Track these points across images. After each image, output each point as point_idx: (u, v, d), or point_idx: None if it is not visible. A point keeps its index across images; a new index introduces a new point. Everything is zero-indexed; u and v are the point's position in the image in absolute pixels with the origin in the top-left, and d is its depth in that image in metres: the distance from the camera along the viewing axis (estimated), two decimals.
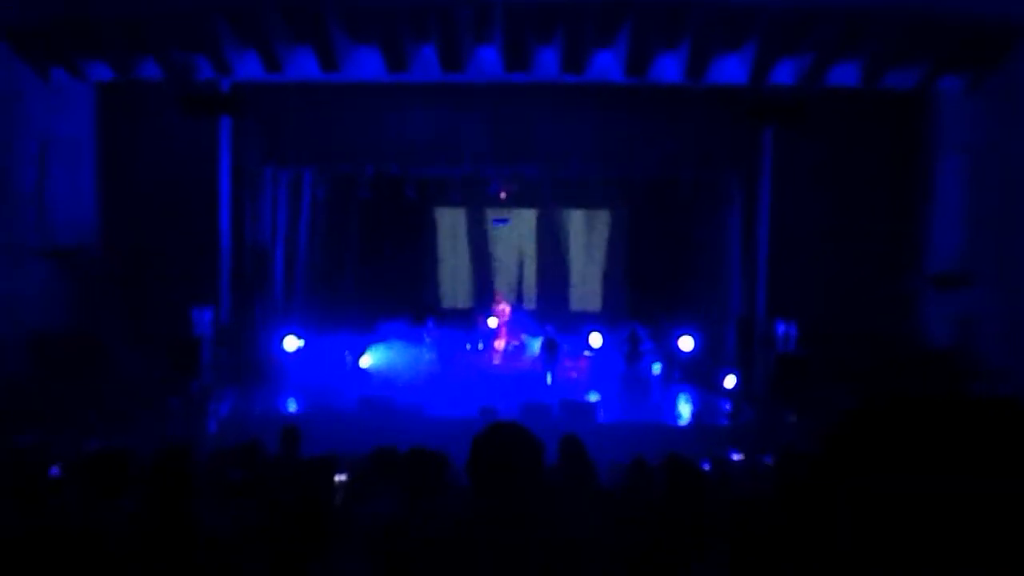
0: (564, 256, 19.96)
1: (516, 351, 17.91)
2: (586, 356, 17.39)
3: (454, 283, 20.23)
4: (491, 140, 14.82)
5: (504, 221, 19.57)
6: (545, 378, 16.25)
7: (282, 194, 16.32)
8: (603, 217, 19.81)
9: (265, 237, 15.83)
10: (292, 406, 14.45)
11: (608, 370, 16.61)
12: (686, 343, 16.50)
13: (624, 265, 19.60)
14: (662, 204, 17.66)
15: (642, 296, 18.47)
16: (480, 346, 18.11)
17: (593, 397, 15.23)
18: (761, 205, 14.90)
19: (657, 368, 16.49)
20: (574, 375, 17.01)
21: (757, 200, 14.98)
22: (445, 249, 20.18)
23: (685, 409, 14.90)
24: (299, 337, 16.34)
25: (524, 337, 18.19)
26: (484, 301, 19.12)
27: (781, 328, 14.32)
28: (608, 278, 19.85)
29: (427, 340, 17.44)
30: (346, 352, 16.43)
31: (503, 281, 20.05)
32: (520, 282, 20.12)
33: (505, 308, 18.59)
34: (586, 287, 19.99)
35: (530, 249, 20.05)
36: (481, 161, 15.18)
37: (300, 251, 17.14)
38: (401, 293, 18.99)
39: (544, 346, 16.52)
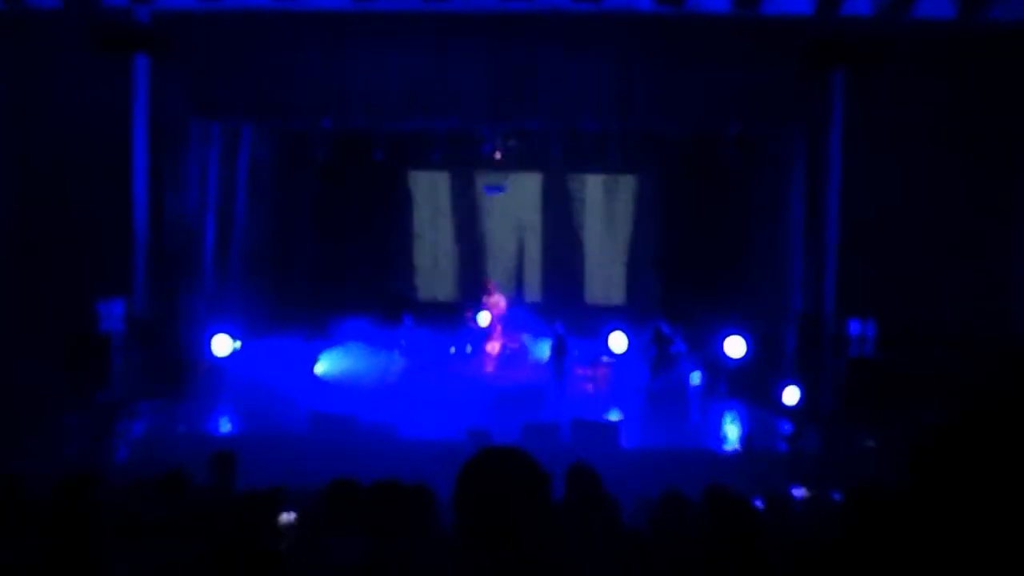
0: (577, 233, 20.02)
1: (515, 356, 17.97)
2: (605, 363, 17.44)
3: (435, 269, 20.24)
4: (484, 85, 14.82)
5: (499, 189, 19.56)
6: (552, 390, 16.35)
7: (214, 155, 16.35)
8: (627, 184, 19.86)
9: (192, 210, 15.90)
10: (226, 425, 14.35)
11: (633, 381, 16.68)
12: (733, 347, 16.54)
13: (654, 245, 19.67)
14: (702, 168, 17.66)
15: (676, 285, 18.59)
16: (468, 349, 18.17)
17: (614, 415, 15.37)
18: (829, 171, 14.86)
19: (696, 378, 16.53)
20: (589, 387, 17.06)
21: (824, 165, 14.92)
22: (423, 225, 20.17)
23: (732, 431, 14.96)
24: (235, 337, 16.36)
25: (525, 338, 18.25)
26: (473, 292, 19.16)
27: (855, 328, 14.33)
28: (633, 262, 19.93)
29: (400, 342, 17.55)
30: (297, 356, 16.51)
31: (498, 266, 20.07)
32: (520, 267, 20.17)
33: (500, 301, 18.57)
34: (605, 274, 20.08)
35: (533, 224, 20.08)
36: (471, 113, 15.15)
37: (236, 228, 17.18)
38: (367, 282, 19.09)
39: (552, 350, 16.58)
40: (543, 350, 17.20)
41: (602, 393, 16.93)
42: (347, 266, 19.15)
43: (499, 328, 18.40)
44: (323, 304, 17.96)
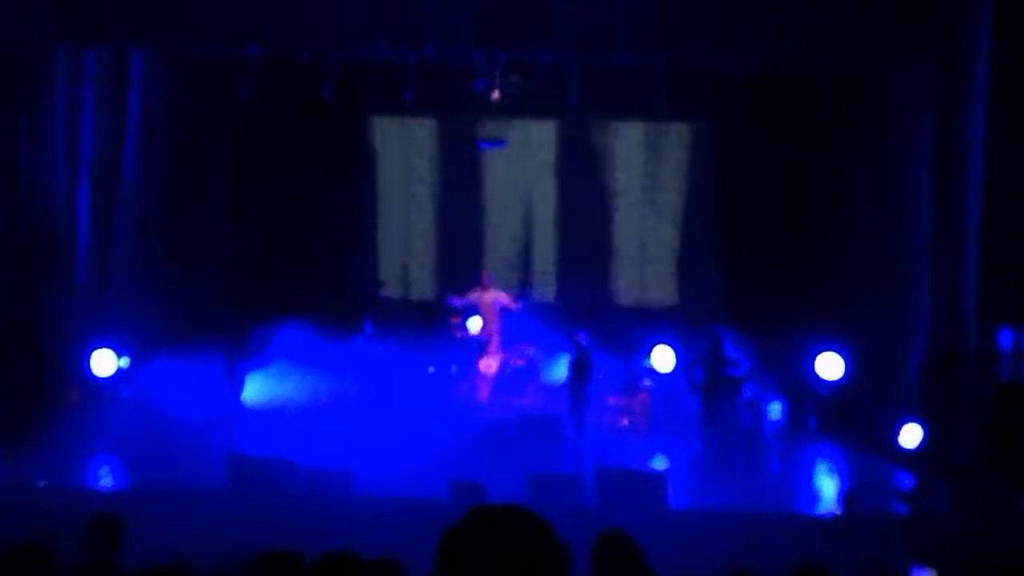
0: (606, 206, 20.12)
1: (518, 378, 18.05)
2: (645, 388, 17.49)
3: (407, 256, 20.34)
4: (476, 3, 14.91)
5: (498, 144, 19.57)
6: (572, 426, 16.34)
7: (89, 97, 16.27)
8: (677, 136, 19.92)
9: (59, 175, 15.84)
10: (108, 477, 14.55)
11: (686, 414, 16.70)
12: (828, 368, 16.58)
13: (715, 224, 19.71)
14: (783, 118, 17.56)
15: (746, 281, 18.64)
16: (454, 369, 18.23)
17: (659, 463, 15.29)
18: (970, 128, 14.65)
19: (775, 411, 16.59)
20: (624, 422, 17.11)
21: (963, 117, 14.71)
22: (390, 193, 20.31)
23: (826, 485, 14.98)
24: (122, 352, 16.38)
25: (532, 353, 18.34)
26: (461, 288, 19.09)
27: (1006, 340, 14.33)
28: (686, 247, 20.00)
29: (358, 358, 17.57)
30: (210, 379, 16.52)
31: (496, 252, 20.13)
32: (527, 254, 20.26)
33: (498, 300, 18.61)
34: (647, 264, 20.16)
35: (545, 193, 20.17)
36: (458, 39, 15.19)
37: (123, 200, 17.14)
38: (310, 274, 19.16)
39: (571, 369, 16.62)
40: (559, 370, 17.22)
41: (642, 431, 16.94)
42: (282, 253, 19.21)
43: (497, 339, 18.43)
44: (248, 306, 18.00)
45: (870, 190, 17.03)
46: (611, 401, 17.14)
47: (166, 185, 18.11)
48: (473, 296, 18.62)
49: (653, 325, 18.37)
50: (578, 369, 16.50)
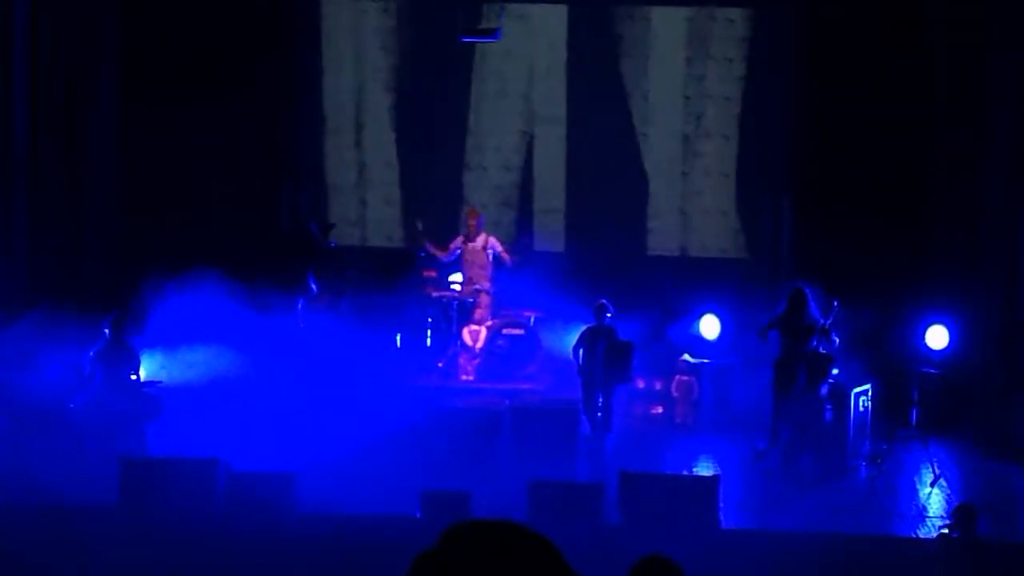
0: (634, 120, 20.10)
1: (514, 351, 18.20)
2: (688, 368, 17.59)
3: (364, 188, 20.49)
4: None
5: (489, 36, 19.43)
6: (588, 417, 16.46)
7: None
8: (731, 26, 19.92)
9: None
10: None
11: (743, 403, 16.87)
12: (935, 342, 16.69)
13: (782, 145, 19.64)
14: (884, 8, 17.56)
15: (826, 228, 18.63)
16: (428, 339, 18.36)
17: (706, 467, 15.40)
18: None
19: (863, 400, 16.55)
20: (659, 411, 17.28)
21: None
22: (342, 101, 20.41)
23: (933, 499, 15.05)
24: None
25: (532, 320, 18.46)
26: (439, 232, 19.18)
27: None
28: (745, 180, 20.03)
29: (297, 325, 17.64)
30: (94, 351, 16.22)
31: (485, 184, 20.28)
32: (526, 186, 20.36)
33: (488, 249, 18.64)
34: (690, 200, 20.22)
35: (552, 103, 20.20)
36: None
37: None
38: (232, 213, 19.18)
39: (586, 340, 16.62)
40: (571, 341, 17.23)
41: (683, 423, 17.11)
42: (191, 183, 19.23)
43: (486, 300, 18.56)
44: (143, 256, 17.99)
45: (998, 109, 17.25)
46: (641, 384, 17.32)
47: (29, 86, 18.07)
48: (455, 244, 18.67)
49: (698, 283, 18.49)
50: (597, 341, 16.46)
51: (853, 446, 16.23)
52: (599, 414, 16.40)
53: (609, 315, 16.60)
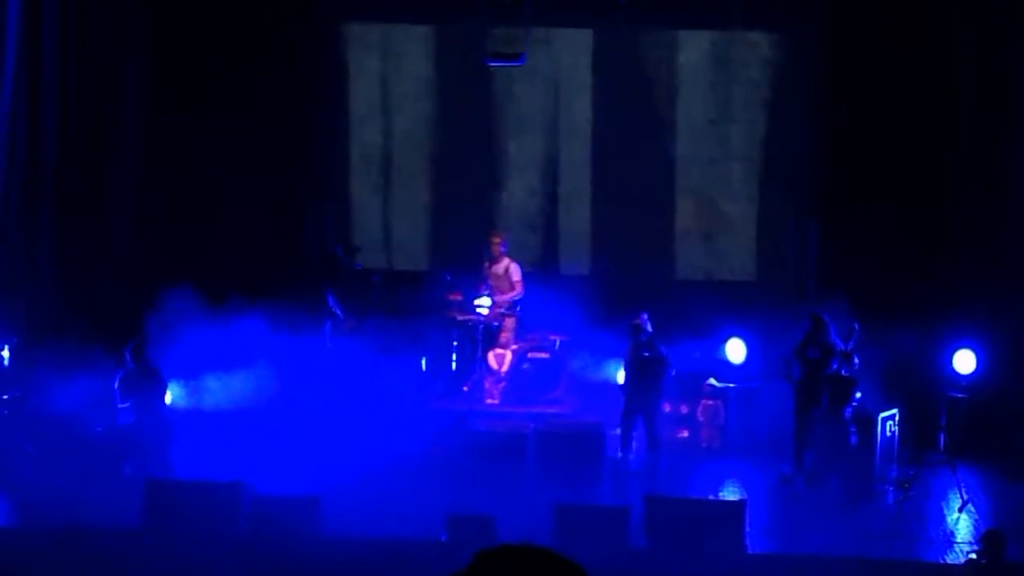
0: (660, 144, 20.02)
1: (539, 375, 18.16)
2: (714, 391, 17.56)
3: (390, 212, 20.45)
4: None
5: (514, 60, 19.34)
6: (613, 440, 16.38)
7: None
8: (754, 49, 19.88)
9: None
10: None
11: (768, 424, 16.79)
12: (963, 366, 16.62)
13: (807, 170, 19.53)
14: (906, 27, 17.45)
15: (851, 248, 18.55)
16: (453, 363, 18.33)
17: (732, 492, 15.39)
18: None
19: (889, 425, 16.46)
20: (684, 434, 17.23)
21: None
22: (369, 127, 20.37)
23: (962, 525, 14.95)
24: None
25: (558, 343, 18.41)
26: (463, 256, 19.23)
27: None
28: (770, 203, 19.96)
29: (323, 347, 17.61)
30: (119, 373, 16.25)
31: (511, 208, 20.27)
32: (552, 210, 20.26)
33: (514, 273, 18.61)
34: (716, 224, 20.14)
35: (578, 127, 20.15)
36: None
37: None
38: (258, 237, 19.19)
39: (632, 363, 16.51)
40: (601, 365, 17.34)
41: (709, 447, 17.06)
42: (217, 207, 19.20)
43: (511, 324, 18.52)
44: (169, 280, 17.79)
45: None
46: (666, 408, 17.17)
47: (60, 113, 18.13)
48: (483, 269, 18.61)
49: (723, 307, 18.33)
50: (641, 363, 16.38)
51: (880, 471, 16.14)
52: (633, 440, 16.32)
53: (645, 332, 16.49)
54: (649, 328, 16.50)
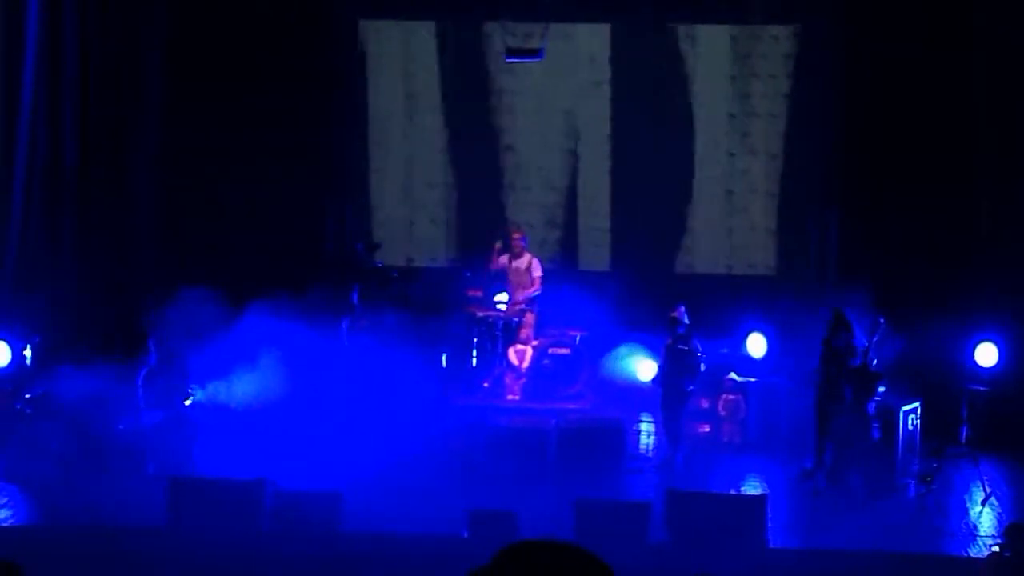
0: (679, 138, 20.06)
1: (560, 371, 18.20)
2: (734, 386, 17.57)
3: (409, 207, 20.51)
4: None
5: (532, 55, 19.37)
6: (667, 439, 16.49)
7: None
8: (774, 43, 19.90)
9: None
10: (3, 512, 14.69)
11: (788, 418, 16.79)
12: (985, 358, 16.59)
13: (828, 162, 19.51)
14: (926, 19, 17.52)
15: (870, 243, 18.64)
16: (473, 359, 18.40)
17: (753, 486, 15.44)
18: None
19: (911, 419, 16.48)
20: (706, 429, 17.29)
21: None
22: (387, 123, 20.42)
23: (985, 518, 14.95)
24: (18, 343, 16.63)
25: (579, 338, 18.47)
26: (483, 252, 19.22)
27: None
28: (790, 197, 19.99)
29: (343, 344, 17.67)
30: (141, 376, 16.43)
31: (530, 202, 20.29)
32: (572, 205, 20.31)
33: (534, 269, 18.57)
34: (736, 218, 20.16)
35: (596, 122, 20.21)
36: None
37: (20, 130, 17.35)
38: (278, 233, 19.30)
39: (669, 357, 16.51)
40: (620, 361, 17.41)
41: (730, 442, 17.11)
42: (237, 204, 19.31)
43: (531, 319, 18.51)
44: (190, 277, 17.74)
45: None
46: (703, 404, 17.38)
47: (81, 111, 18.24)
48: (499, 263, 18.65)
49: (744, 301, 18.41)
50: (675, 358, 16.39)
51: (902, 464, 16.14)
52: (676, 434, 16.39)
53: (683, 324, 16.43)
54: (687, 320, 16.45)
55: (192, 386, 16.90)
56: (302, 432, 16.32)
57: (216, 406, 16.92)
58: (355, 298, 18.19)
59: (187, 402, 16.65)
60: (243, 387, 17.08)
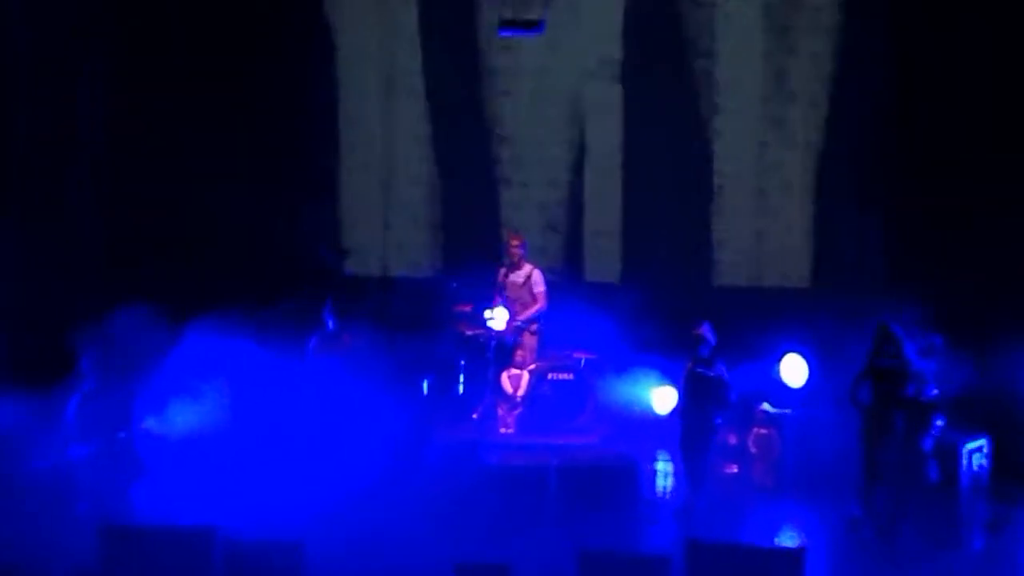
0: (702, 127, 20.10)
1: (561, 398, 18.06)
2: (768, 416, 17.48)
3: (387, 208, 20.54)
4: None
5: (532, 29, 19.27)
6: (688, 480, 16.35)
7: None
8: (815, 15, 19.85)
9: None
10: None
11: (832, 457, 16.56)
12: None
13: (877, 156, 19.48)
14: None
15: (925, 251, 18.60)
16: (460, 385, 18.30)
17: (790, 537, 15.49)
18: None
19: (977, 458, 16.45)
20: (733, 470, 17.29)
21: None
22: (360, 107, 20.51)
23: None
24: None
25: (583, 362, 18.35)
26: (475, 260, 19.19)
27: None
28: (832, 196, 19.92)
29: (310, 367, 17.53)
30: (79, 399, 16.15)
31: (528, 203, 20.30)
32: (577, 206, 20.35)
33: (533, 280, 18.37)
34: (768, 220, 20.15)
35: (606, 107, 20.20)
36: None
37: None
38: (233, 238, 19.40)
39: (691, 383, 16.26)
40: (632, 389, 17.45)
41: (763, 485, 17.05)
42: (184, 205, 19.40)
43: (530, 339, 18.40)
44: (131, 289, 17.71)
45: None
46: (732, 441, 17.36)
47: (23, 116, 18.73)
48: (498, 276, 18.47)
49: (777, 317, 18.30)
50: (698, 384, 16.15)
51: (966, 511, 16.05)
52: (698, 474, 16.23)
53: (708, 345, 16.23)
54: (712, 341, 16.23)
55: (133, 415, 16.46)
56: (259, 471, 16.23)
57: (160, 438, 16.63)
58: (324, 313, 17.96)
59: (125, 434, 16.28)
60: (192, 417, 16.88)
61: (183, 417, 16.85)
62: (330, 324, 17.90)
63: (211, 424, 16.83)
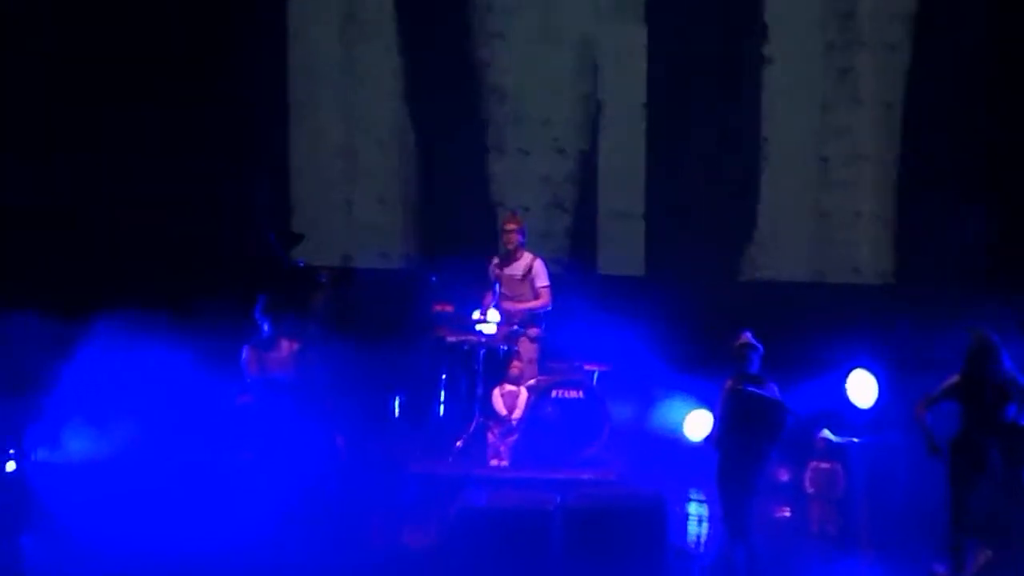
0: (744, 87, 19.81)
1: (567, 421, 17.72)
2: (829, 446, 16.90)
3: (350, 184, 20.37)
4: None
5: None
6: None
7: None
8: None
9: None
10: None
11: (907, 495, 16.29)
12: None
13: (963, 135, 19.24)
14: None
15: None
16: (441, 406, 17.94)
17: None
18: None
19: None
20: (786, 513, 16.89)
21: None
22: (316, 63, 20.36)
23: None
24: None
25: (595, 376, 18.08)
26: (459, 251, 19.00)
27: None
28: (908, 178, 19.63)
29: (253, 382, 17.02)
30: None
31: (526, 178, 20.09)
32: (588, 182, 20.12)
33: (536, 274, 18.09)
34: (826, 200, 19.81)
35: (629, 59, 19.93)
36: None
37: None
38: (160, 222, 19.38)
39: (724, 398, 15.68)
40: (658, 411, 17.38)
41: (823, 532, 16.53)
42: (87, 177, 19.40)
43: (528, 347, 18.05)
44: (22, 287, 17.99)
45: None
46: (783, 477, 17.04)
47: None
48: (490, 268, 18.25)
49: (842, 322, 18.05)
50: (743, 407, 15.51)
51: None
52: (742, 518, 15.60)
53: (755, 358, 15.62)
54: (760, 351, 15.69)
55: (22, 443, 16.63)
56: (181, 512, 15.68)
57: (53, 470, 16.47)
58: (259, 317, 17.41)
59: (9, 466, 16.32)
60: (93, 444, 16.68)
61: (81, 444, 16.65)
62: (265, 329, 17.32)
63: (120, 453, 16.60)
